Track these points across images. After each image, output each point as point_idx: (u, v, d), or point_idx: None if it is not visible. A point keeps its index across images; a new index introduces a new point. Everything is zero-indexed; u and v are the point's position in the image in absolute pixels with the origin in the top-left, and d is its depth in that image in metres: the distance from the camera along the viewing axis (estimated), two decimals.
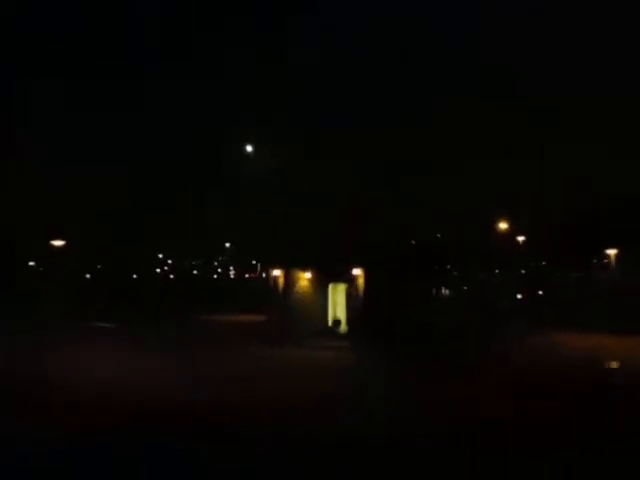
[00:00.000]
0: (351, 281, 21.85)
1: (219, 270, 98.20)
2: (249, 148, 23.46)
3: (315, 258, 21.41)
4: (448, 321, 19.72)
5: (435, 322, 18.32)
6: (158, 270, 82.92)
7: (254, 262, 68.70)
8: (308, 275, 22.26)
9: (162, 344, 19.08)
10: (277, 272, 21.42)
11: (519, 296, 33.63)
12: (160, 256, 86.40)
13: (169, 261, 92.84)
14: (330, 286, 23.06)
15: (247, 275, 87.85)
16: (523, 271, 36.47)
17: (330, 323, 22.94)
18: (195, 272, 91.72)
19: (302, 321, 22.04)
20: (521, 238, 28.61)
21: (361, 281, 18.54)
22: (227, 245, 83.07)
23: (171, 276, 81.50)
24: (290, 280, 21.69)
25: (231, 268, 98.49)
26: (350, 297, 22.49)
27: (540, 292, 35.10)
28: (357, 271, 18.48)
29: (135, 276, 64.23)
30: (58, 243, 17.53)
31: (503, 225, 26.34)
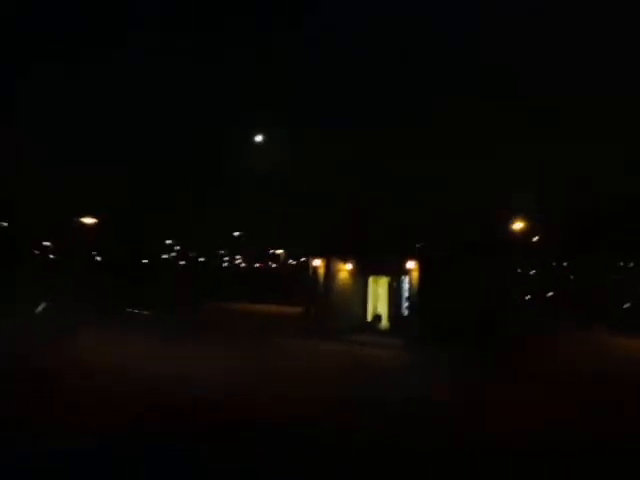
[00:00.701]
0: (396, 274, 20.45)
1: (225, 259, 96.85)
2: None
3: (362, 249, 19.96)
4: (507, 320, 18.37)
5: (496, 320, 16.95)
6: (166, 256, 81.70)
7: (277, 251, 67.03)
8: (349, 266, 20.82)
9: (205, 335, 18.04)
10: (317, 262, 19.96)
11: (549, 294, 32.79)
12: (168, 242, 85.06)
13: (177, 247, 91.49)
14: (370, 279, 21.64)
15: (257, 264, 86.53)
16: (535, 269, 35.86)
17: (370, 318, 21.53)
18: (202, 259, 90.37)
19: (341, 315, 20.68)
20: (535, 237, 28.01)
21: (415, 275, 17.07)
22: (236, 234, 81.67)
23: (181, 262, 79.96)
24: (331, 271, 20.24)
25: (238, 257, 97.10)
26: (393, 291, 21.09)
27: (567, 291, 34.28)
28: (411, 264, 17.01)
29: (146, 261, 62.94)
30: (89, 221, 16.01)
31: (520, 224, 24.93)
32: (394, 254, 17.99)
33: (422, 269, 16.87)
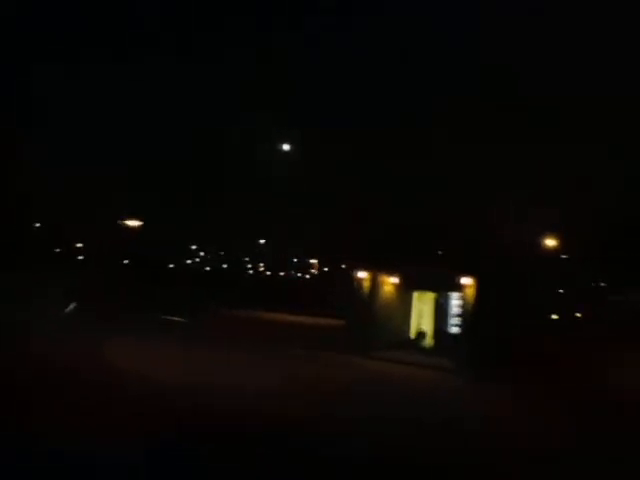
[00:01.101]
0: (443, 290, 19.49)
1: (249, 266, 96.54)
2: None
3: (408, 262, 19.06)
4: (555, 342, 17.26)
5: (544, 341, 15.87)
6: (189, 261, 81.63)
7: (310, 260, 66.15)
8: (394, 280, 19.91)
9: (246, 344, 17.34)
10: (363, 274, 19.10)
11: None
12: (193, 247, 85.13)
13: (201, 253, 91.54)
14: (415, 294, 20.69)
15: (282, 273, 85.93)
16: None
17: (412, 335, 20.56)
18: (225, 265, 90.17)
19: (383, 330, 19.77)
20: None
21: (469, 291, 16.09)
22: (261, 241, 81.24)
23: (207, 268, 79.84)
24: (376, 284, 19.36)
25: (262, 265, 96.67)
26: (439, 308, 20.11)
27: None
28: (466, 280, 16.05)
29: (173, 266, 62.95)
30: (133, 223, 15.47)
31: (553, 240, 23.64)
32: (443, 268, 17.03)
33: (480, 286, 15.88)
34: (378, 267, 19.20)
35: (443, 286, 19.17)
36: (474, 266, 15.87)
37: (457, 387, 14.36)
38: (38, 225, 52.15)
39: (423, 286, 20.11)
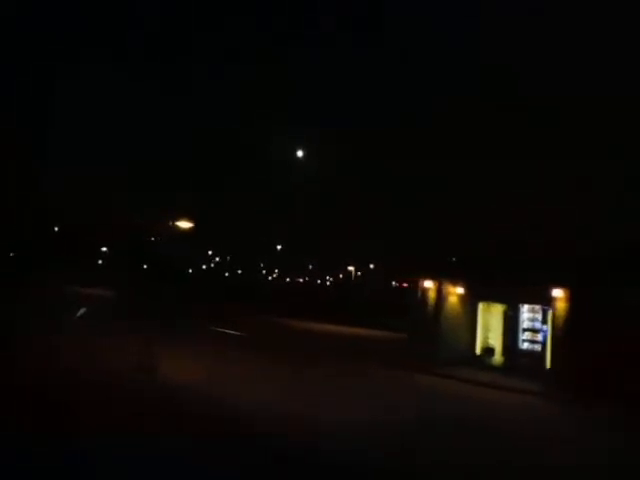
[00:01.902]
0: (514, 301, 17.74)
1: (263, 272, 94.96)
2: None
3: (474, 271, 17.37)
4: None
5: None
6: (204, 267, 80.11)
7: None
8: (459, 290, 18.20)
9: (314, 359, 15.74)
10: (428, 284, 17.40)
11: None
12: (210, 253, 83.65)
13: (217, 258, 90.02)
14: (480, 305, 18.94)
15: (300, 279, 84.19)
16: None
17: (478, 351, 18.79)
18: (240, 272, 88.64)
19: (446, 345, 18.06)
20: None
21: (560, 305, 14.31)
22: (278, 247, 79.69)
23: (226, 274, 78.39)
24: (442, 294, 17.65)
25: (276, 270, 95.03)
26: (509, 321, 18.33)
27: None
28: (557, 292, 14.29)
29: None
30: (185, 225, 13.92)
31: None
32: (538, 278, 15.17)
33: (573, 299, 14.10)
34: (444, 276, 17.51)
35: (515, 297, 17.46)
36: (566, 276, 14.08)
37: (555, 416, 12.57)
38: (56, 229, 51.16)
39: (490, 297, 18.38)
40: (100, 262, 50.53)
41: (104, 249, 50.41)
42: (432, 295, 17.52)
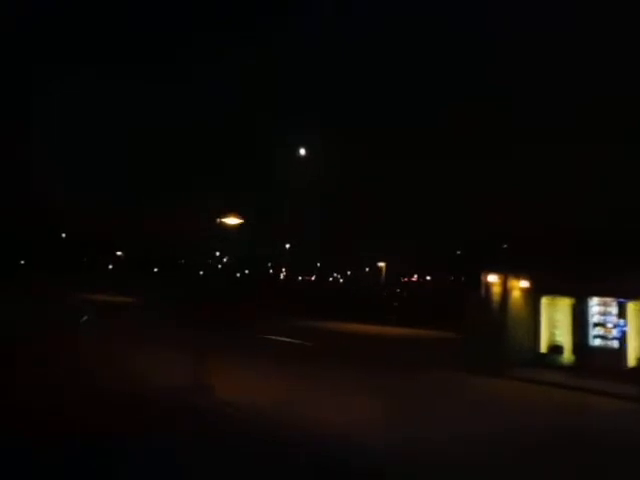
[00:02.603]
0: (582, 293, 16.29)
1: (271, 271, 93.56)
2: None
3: (539, 260, 15.92)
4: None
5: None
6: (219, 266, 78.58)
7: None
8: (523, 284, 16.73)
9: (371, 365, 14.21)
10: (493, 278, 15.92)
11: None
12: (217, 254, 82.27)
13: (224, 259, 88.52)
14: (543, 300, 17.45)
15: (300, 277, 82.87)
16: None
17: (544, 349, 17.32)
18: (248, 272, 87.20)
19: (507, 344, 16.62)
20: None
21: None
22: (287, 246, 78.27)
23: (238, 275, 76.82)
24: (507, 289, 16.19)
25: (283, 269, 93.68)
26: (577, 316, 16.87)
27: None
28: None
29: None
30: (233, 221, 12.51)
31: None
32: (614, 269, 13.70)
33: None
34: (509, 269, 16.04)
35: (584, 290, 16.01)
36: None
37: None
38: (64, 235, 49.59)
39: (556, 290, 16.90)
40: (111, 267, 49.03)
41: (118, 253, 48.79)
42: (497, 290, 16.03)
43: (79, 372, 11.44)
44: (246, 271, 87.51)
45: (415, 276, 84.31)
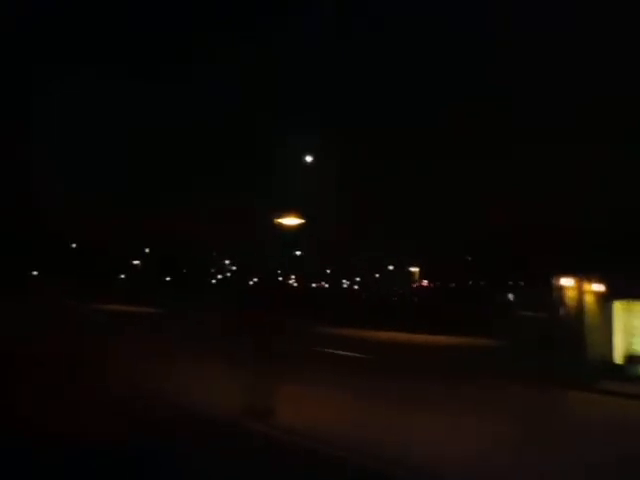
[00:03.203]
0: None
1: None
2: None
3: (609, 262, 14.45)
4: None
5: None
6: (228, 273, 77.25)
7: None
8: (596, 287, 15.25)
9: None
10: (569, 281, 14.44)
11: None
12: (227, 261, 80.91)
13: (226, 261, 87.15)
14: (615, 305, 15.95)
15: (314, 284, 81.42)
16: None
17: (619, 359, 15.79)
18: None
19: (578, 353, 15.12)
20: None
21: None
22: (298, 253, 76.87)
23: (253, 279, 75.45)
24: (581, 293, 14.72)
25: (292, 277, 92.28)
26: None
27: None
28: None
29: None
30: (291, 222, 11.11)
31: None
32: None
33: None
34: (583, 271, 14.57)
35: None
36: None
37: None
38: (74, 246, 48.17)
39: (633, 294, 15.42)
40: (123, 276, 47.52)
41: (136, 262, 47.25)
42: (572, 295, 14.54)
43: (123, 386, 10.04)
44: (254, 279, 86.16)
45: (425, 281, 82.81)
